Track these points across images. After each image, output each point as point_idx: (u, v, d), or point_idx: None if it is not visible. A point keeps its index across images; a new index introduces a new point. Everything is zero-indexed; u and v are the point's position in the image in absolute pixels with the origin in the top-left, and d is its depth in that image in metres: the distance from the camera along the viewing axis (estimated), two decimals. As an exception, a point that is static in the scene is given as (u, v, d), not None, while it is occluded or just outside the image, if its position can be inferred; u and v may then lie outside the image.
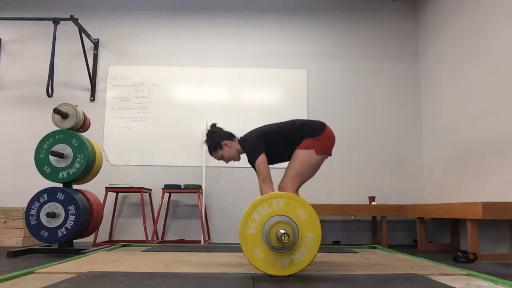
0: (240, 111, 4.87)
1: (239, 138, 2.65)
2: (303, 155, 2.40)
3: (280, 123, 2.59)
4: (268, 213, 1.94)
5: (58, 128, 3.34)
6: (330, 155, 2.52)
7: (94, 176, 3.58)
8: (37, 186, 3.34)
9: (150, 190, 4.64)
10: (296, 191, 2.43)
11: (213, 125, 2.70)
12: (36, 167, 3.26)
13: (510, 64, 3.34)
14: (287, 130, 2.51)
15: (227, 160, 2.68)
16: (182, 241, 4.58)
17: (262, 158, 2.43)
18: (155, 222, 4.38)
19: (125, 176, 4.69)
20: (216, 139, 2.63)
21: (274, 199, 1.97)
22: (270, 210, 1.94)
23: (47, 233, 3.10)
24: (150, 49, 5.02)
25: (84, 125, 3.48)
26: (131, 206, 4.72)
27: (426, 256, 2.97)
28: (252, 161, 2.49)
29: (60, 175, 3.26)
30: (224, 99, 4.91)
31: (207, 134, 2.67)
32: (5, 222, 3.93)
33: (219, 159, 2.68)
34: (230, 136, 2.66)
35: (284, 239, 1.84)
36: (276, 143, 2.49)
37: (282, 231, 1.85)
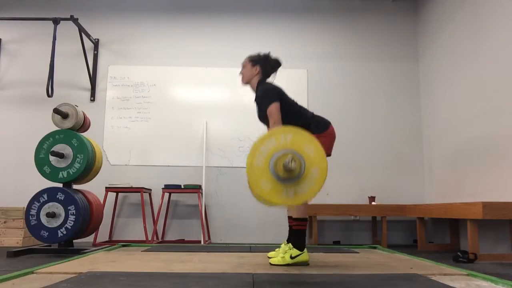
0: (240, 111, 4.87)
1: (266, 82, 2.59)
2: None
3: (295, 100, 2.55)
4: (276, 147, 1.95)
5: (58, 128, 3.34)
6: (329, 155, 2.51)
7: (94, 176, 3.58)
8: (37, 186, 3.35)
9: (150, 190, 4.64)
10: None
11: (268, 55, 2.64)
12: (36, 167, 3.26)
13: (510, 64, 3.34)
14: (301, 110, 2.50)
15: (242, 80, 2.65)
16: (182, 241, 4.58)
17: (276, 106, 2.38)
18: (155, 222, 4.38)
19: (125, 176, 4.69)
20: (256, 59, 2.61)
21: (282, 133, 1.99)
22: (278, 143, 1.95)
23: (47, 233, 3.10)
24: (150, 49, 5.02)
25: (84, 125, 3.48)
26: (131, 206, 4.72)
27: (426, 256, 2.97)
28: (265, 106, 2.41)
29: (60, 175, 3.26)
30: (224, 99, 4.91)
31: (261, 54, 2.63)
32: (5, 222, 3.93)
33: (239, 74, 2.67)
34: (264, 71, 2.59)
35: (291, 166, 1.85)
36: (286, 110, 2.45)
37: (290, 158, 1.87)
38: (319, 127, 2.45)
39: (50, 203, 3.12)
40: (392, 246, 4.07)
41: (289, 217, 2.42)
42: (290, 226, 2.42)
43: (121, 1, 5.13)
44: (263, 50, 2.77)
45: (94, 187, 3.86)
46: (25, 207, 3.14)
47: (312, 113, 2.55)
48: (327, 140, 2.42)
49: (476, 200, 3.68)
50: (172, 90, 4.95)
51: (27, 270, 1.98)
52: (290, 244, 2.32)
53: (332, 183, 4.73)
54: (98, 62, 4.97)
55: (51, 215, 3.09)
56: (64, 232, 3.10)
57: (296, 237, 2.31)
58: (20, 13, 4.83)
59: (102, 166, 3.65)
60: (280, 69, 2.68)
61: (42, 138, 3.30)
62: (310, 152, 1.98)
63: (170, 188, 4.41)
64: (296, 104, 2.54)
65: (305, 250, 2.30)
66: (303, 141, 1.99)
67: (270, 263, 2.29)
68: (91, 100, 4.89)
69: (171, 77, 4.97)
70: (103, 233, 4.48)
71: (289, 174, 1.91)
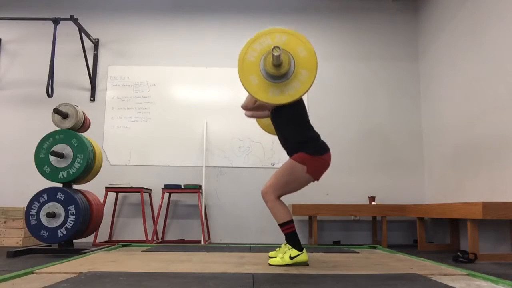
0: (240, 111, 4.83)
1: None
2: (294, 167, 2.35)
3: (306, 112, 2.46)
4: (270, 45, 1.99)
5: (58, 128, 3.34)
6: (317, 179, 2.45)
7: (94, 176, 3.58)
8: (37, 186, 3.35)
9: (150, 190, 4.64)
10: (278, 198, 2.35)
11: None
12: (36, 167, 3.26)
13: (510, 64, 3.34)
14: (307, 121, 2.44)
15: None
16: (182, 241, 4.58)
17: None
18: (155, 222, 4.38)
19: (125, 176, 4.69)
20: None
21: (278, 33, 2.04)
22: (272, 42, 1.98)
23: (47, 233, 3.10)
24: (150, 49, 5.02)
25: (84, 125, 3.48)
26: (131, 206, 4.72)
27: (426, 256, 2.97)
28: None
29: (60, 175, 3.26)
30: (224, 99, 4.91)
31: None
32: (5, 222, 3.93)
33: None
34: None
35: (276, 52, 1.89)
36: (297, 112, 2.40)
37: (279, 49, 1.91)
38: (316, 149, 2.36)
39: (50, 203, 3.12)
40: (392, 246, 4.07)
41: (279, 225, 2.38)
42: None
43: (121, 1, 5.13)
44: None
45: (94, 187, 3.86)
46: (25, 207, 3.14)
47: (318, 135, 2.45)
48: (318, 164, 2.35)
49: (476, 200, 3.68)
50: (172, 90, 4.95)
51: (27, 270, 1.98)
52: (289, 244, 2.32)
53: (332, 183, 4.74)
54: (98, 62, 4.97)
55: (51, 215, 3.09)
56: (64, 232, 3.10)
57: (290, 239, 2.31)
58: (20, 13, 4.83)
59: (102, 166, 3.65)
60: None
61: (42, 138, 3.30)
62: (302, 54, 2.03)
63: (170, 188, 4.41)
64: (306, 113, 2.47)
65: (304, 250, 2.30)
66: (297, 43, 2.03)
67: (269, 263, 2.28)
68: (91, 100, 4.89)
69: (171, 77, 4.97)
70: (103, 233, 4.48)
71: (277, 70, 1.94)
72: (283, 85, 2.03)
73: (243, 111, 2.77)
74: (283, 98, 2.03)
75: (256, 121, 3.10)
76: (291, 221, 2.32)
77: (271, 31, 2.04)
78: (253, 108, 2.46)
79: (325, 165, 2.41)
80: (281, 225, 2.32)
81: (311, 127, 2.47)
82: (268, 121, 2.88)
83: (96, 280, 1.76)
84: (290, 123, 2.40)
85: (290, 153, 2.46)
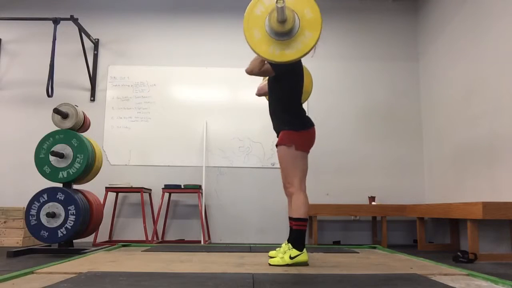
0: (240, 111, 4.87)
1: None
2: (286, 151, 2.38)
3: (299, 91, 2.52)
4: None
5: (58, 128, 3.34)
6: (307, 152, 2.49)
7: (94, 176, 3.58)
8: (37, 186, 3.34)
9: (150, 190, 4.64)
10: (304, 191, 2.40)
11: None
12: (36, 167, 3.26)
13: (510, 64, 3.34)
14: (299, 97, 2.49)
15: None
16: (182, 241, 4.58)
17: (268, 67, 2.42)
18: (155, 222, 4.38)
19: (125, 176, 4.69)
20: None
21: None
22: (282, 0, 1.99)
23: (47, 233, 3.10)
24: (150, 49, 5.02)
25: (84, 125, 3.48)
26: (131, 206, 4.72)
27: (426, 256, 2.97)
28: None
29: (60, 175, 3.26)
30: (224, 99, 4.91)
31: None
32: (5, 222, 3.93)
33: None
34: None
35: (279, 3, 1.89)
36: (292, 86, 2.46)
37: (283, 3, 1.92)
38: (300, 124, 2.43)
39: (50, 203, 3.12)
40: (392, 246, 4.07)
41: (290, 217, 2.42)
42: (290, 227, 2.41)
43: (121, 1, 5.12)
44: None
45: (94, 187, 3.86)
46: (25, 207, 3.14)
47: (304, 111, 2.52)
48: (303, 139, 2.41)
49: (476, 200, 3.68)
50: (172, 90, 4.95)
51: (27, 270, 1.98)
52: (289, 244, 2.32)
53: (332, 183, 4.74)
54: (98, 62, 4.97)
55: (51, 215, 3.09)
56: (64, 232, 3.10)
57: (296, 237, 2.31)
58: (20, 13, 4.83)
59: (102, 166, 3.65)
60: None
61: (42, 138, 3.30)
62: (308, 16, 2.03)
63: (170, 188, 4.41)
64: (300, 92, 2.53)
65: (305, 250, 2.29)
66: (305, 5, 2.03)
67: (269, 263, 2.28)
68: (91, 100, 4.89)
69: (171, 77, 4.97)
70: (103, 233, 4.47)
71: (282, 26, 1.95)
72: (284, 43, 2.04)
73: (255, 93, 2.83)
74: (283, 56, 2.04)
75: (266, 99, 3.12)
76: (306, 220, 2.36)
77: None
78: (258, 72, 2.46)
79: (311, 139, 2.47)
80: (295, 219, 2.33)
81: (300, 105, 2.53)
82: None
83: (96, 280, 1.76)
84: (283, 96, 2.47)
85: (275, 126, 2.55)
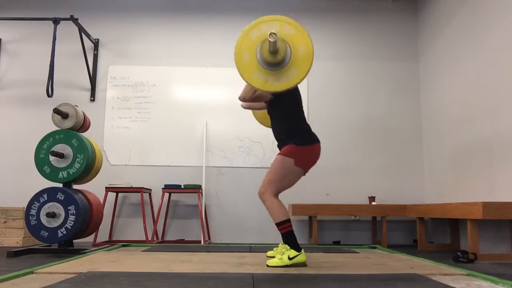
0: (240, 111, 4.83)
1: None
2: (283, 161, 2.35)
3: (301, 107, 2.51)
4: (277, 32, 1.98)
5: (58, 128, 3.34)
6: (306, 171, 2.46)
7: (94, 176, 3.58)
8: (37, 186, 3.34)
9: (150, 190, 4.64)
10: (276, 196, 2.38)
11: None
12: (36, 167, 3.26)
13: (510, 64, 3.34)
14: (301, 112, 2.49)
15: None
16: (182, 241, 4.58)
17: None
18: (155, 222, 4.38)
19: (125, 176, 4.69)
20: None
21: (289, 24, 2.06)
22: (280, 30, 2.00)
23: (47, 233, 3.10)
24: (150, 49, 5.02)
25: (84, 125, 3.48)
26: (131, 206, 4.72)
27: (426, 256, 2.97)
28: None
29: (60, 175, 3.26)
30: (224, 99, 4.91)
31: None
32: (5, 222, 3.93)
33: None
34: None
35: (272, 38, 1.90)
36: (291, 102, 2.45)
37: (275, 36, 1.92)
38: (304, 140, 2.39)
39: (50, 203, 3.12)
40: (392, 246, 4.07)
41: (276, 224, 2.38)
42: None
43: (121, 1, 5.12)
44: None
45: (94, 187, 3.86)
46: (25, 207, 3.14)
47: (309, 127, 2.50)
48: (306, 155, 2.38)
49: (476, 200, 3.68)
50: (172, 90, 4.95)
51: (27, 270, 1.98)
52: (287, 245, 2.31)
53: (332, 183, 4.74)
54: (98, 62, 4.97)
55: (51, 215, 3.09)
56: (64, 232, 3.10)
57: (288, 239, 2.30)
58: (20, 13, 4.82)
59: (102, 166, 3.65)
60: None
61: (42, 138, 3.30)
62: (300, 53, 2.07)
63: (170, 188, 4.41)
64: (301, 108, 2.51)
65: (303, 250, 2.29)
66: (301, 41, 2.08)
67: (267, 265, 2.27)
68: (91, 100, 4.89)
69: (171, 77, 4.97)
70: (103, 233, 4.47)
71: (272, 57, 1.96)
72: (270, 73, 2.04)
73: (241, 104, 2.80)
74: (265, 85, 2.04)
75: (252, 113, 3.12)
76: (288, 220, 2.32)
77: (284, 20, 2.03)
78: (251, 99, 2.46)
79: (314, 156, 2.44)
80: (278, 224, 2.32)
81: (304, 120, 2.51)
82: (263, 113, 2.90)
83: (96, 280, 1.76)
84: (284, 116, 2.45)
85: (280, 145, 2.51)
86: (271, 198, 2.33)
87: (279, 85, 2.04)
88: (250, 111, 3.11)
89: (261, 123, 3.07)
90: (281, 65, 2.03)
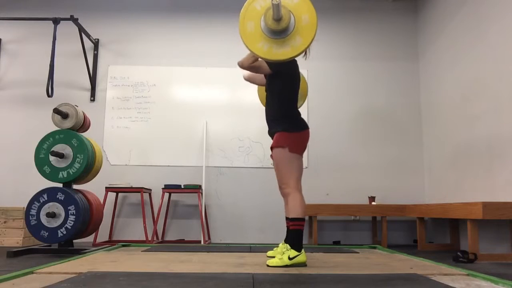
0: (240, 111, 4.87)
1: None
2: (280, 154, 2.38)
3: (294, 94, 2.53)
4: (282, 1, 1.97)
5: (58, 128, 3.34)
6: (301, 154, 2.47)
7: (94, 176, 3.58)
8: (37, 186, 3.34)
9: (150, 190, 4.64)
10: (299, 191, 2.40)
11: None
12: (36, 167, 3.26)
13: (510, 64, 3.34)
14: (294, 98, 2.50)
15: None
16: (182, 241, 4.58)
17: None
18: (155, 222, 4.38)
19: (125, 176, 4.69)
20: None
21: None
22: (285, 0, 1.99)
23: (47, 233, 3.10)
24: (150, 49, 5.02)
25: (84, 125, 3.48)
26: (131, 206, 4.72)
27: (426, 256, 2.97)
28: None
29: (60, 175, 3.26)
30: (224, 99, 4.91)
31: None
32: (5, 222, 3.93)
33: None
34: None
35: (275, 0, 1.89)
36: (287, 86, 2.47)
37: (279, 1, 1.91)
38: (293, 126, 2.43)
39: (50, 203, 3.12)
40: (392, 246, 4.07)
41: (286, 218, 2.41)
42: (287, 227, 2.40)
43: (121, 1, 5.12)
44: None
45: (94, 187, 3.86)
46: (25, 207, 3.14)
47: (299, 113, 2.53)
48: (297, 141, 2.41)
49: (476, 200, 3.68)
50: (172, 90, 4.95)
51: (27, 270, 1.98)
52: (287, 244, 2.31)
53: (332, 183, 4.74)
54: (98, 62, 4.97)
55: (51, 215, 3.09)
56: (64, 232, 3.10)
57: (294, 237, 2.30)
58: (20, 13, 4.82)
59: (102, 166, 3.65)
60: None
61: (42, 138, 3.30)
62: (304, 22, 2.06)
63: (170, 188, 4.41)
64: (296, 93, 2.53)
65: (303, 250, 2.29)
66: (305, 10, 2.07)
67: (267, 265, 2.26)
68: (91, 100, 4.89)
69: (171, 77, 4.97)
70: (103, 233, 4.47)
71: (276, 25, 1.96)
72: (274, 42, 2.04)
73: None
74: (270, 54, 2.04)
75: (257, 93, 3.11)
76: (304, 219, 2.34)
77: None
78: (249, 66, 2.45)
79: (304, 141, 2.47)
80: (292, 219, 2.31)
81: (295, 107, 2.53)
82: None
83: (96, 280, 1.76)
84: (280, 92, 2.47)
85: (269, 127, 2.54)
86: (294, 194, 2.35)
87: (284, 52, 2.04)
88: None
89: (264, 104, 3.08)
90: (285, 33, 2.03)
